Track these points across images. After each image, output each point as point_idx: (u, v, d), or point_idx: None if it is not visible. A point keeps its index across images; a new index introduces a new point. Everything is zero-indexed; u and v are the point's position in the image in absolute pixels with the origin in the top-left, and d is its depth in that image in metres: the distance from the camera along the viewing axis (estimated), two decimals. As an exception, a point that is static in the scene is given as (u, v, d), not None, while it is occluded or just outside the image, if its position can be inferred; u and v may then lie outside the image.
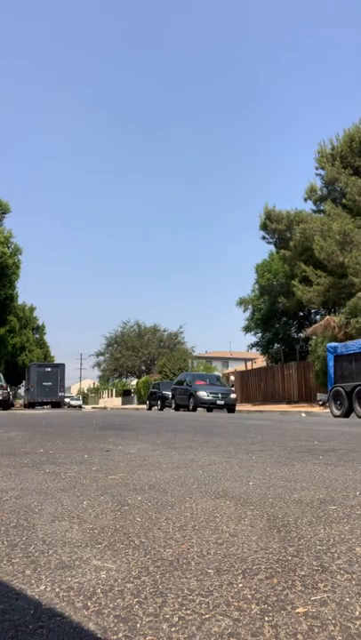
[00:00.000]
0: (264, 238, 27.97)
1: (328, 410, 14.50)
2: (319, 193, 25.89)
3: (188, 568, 1.26)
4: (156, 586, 1.15)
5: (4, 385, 24.87)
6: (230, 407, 19.12)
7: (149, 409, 26.03)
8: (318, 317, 26.08)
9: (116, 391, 61.60)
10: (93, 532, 1.60)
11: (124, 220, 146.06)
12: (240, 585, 1.15)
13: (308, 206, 26.90)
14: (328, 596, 1.09)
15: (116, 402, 57.20)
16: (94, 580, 1.19)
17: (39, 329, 57.26)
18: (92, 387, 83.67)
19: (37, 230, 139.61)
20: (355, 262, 19.85)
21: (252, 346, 33.98)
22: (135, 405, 42.55)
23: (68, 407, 41.72)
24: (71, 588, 1.14)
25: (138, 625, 0.96)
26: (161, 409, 24.29)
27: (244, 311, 32.82)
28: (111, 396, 63.58)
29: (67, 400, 43.12)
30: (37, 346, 53.64)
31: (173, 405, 21.35)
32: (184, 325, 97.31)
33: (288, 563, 1.30)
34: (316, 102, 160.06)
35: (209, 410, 19.10)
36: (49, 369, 32.56)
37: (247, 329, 33.24)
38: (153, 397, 26.55)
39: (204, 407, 19.05)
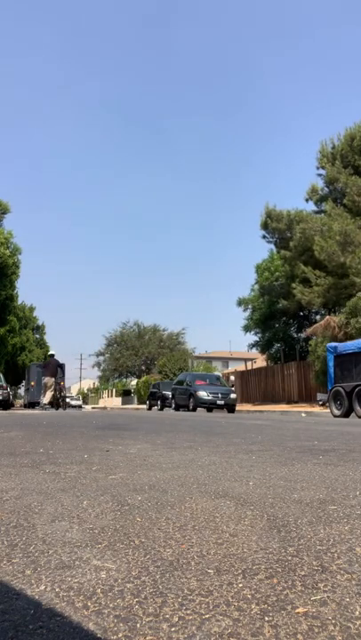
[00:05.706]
0: (265, 237, 27.98)
1: (328, 410, 14.50)
2: (320, 193, 25.88)
3: (188, 568, 1.26)
4: (156, 586, 1.15)
5: (4, 385, 24.86)
6: (230, 407, 19.11)
7: (149, 409, 26.03)
8: (318, 317, 26.09)
9: (116, 391, 61.57)
10: (93, 531, 1.60)
11: (124, 220, 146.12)
12: (240, 585, 1.15)
13: (310, 207, 26.90)
14: (328, 596, 1.09)
15: (116, 402, 57.16)
16: (94, 580, 1.19)
17: (39, 329, 57.20)
18: (92, 387, 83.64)
19: (37, 230, 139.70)
20: (356, 262, 19.85)
21: (252, 346, 33.99)
22: (135, 405, 42.53)
23: (68, 407, 41.69)
24: (71, 588, 1.14)
25: (138, 625, 0.96)
26: (161, 409, 24.28)
27: (244, 311, 32.87)
28: (111, 395, 63.53)
29: (66, 400, 43.05)
30: (37, 346, 53.58)
31: (173, 405, 21.34)
32: (186, 327, 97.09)
33: (288, 563, 1.30)
34: (317, 102, 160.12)
35: (209, 410, 19.09)
36: None
37: (247, 328, 33.24)
38: (153, 397, 26.55)
39: (204, 407, 19.04)
